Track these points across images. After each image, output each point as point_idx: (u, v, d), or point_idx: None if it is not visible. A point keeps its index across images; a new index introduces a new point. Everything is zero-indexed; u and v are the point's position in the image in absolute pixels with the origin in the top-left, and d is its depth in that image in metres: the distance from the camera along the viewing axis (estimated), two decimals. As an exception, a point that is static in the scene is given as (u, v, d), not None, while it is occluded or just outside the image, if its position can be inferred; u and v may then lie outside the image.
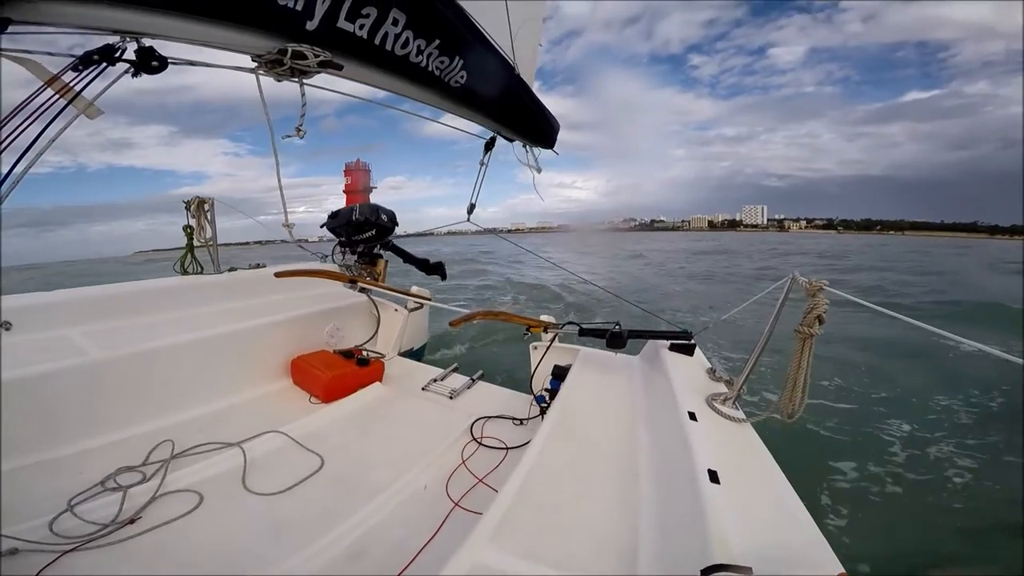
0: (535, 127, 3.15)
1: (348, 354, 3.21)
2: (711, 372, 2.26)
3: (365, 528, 1.84)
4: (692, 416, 1.79)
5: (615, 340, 2.50)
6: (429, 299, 3.88)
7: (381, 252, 4.21)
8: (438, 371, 3.40)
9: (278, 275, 3.55)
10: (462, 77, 2.32)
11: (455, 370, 3.42)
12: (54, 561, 1.58)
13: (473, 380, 3.23)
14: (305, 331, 3.34)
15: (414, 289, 3.82)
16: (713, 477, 1.42)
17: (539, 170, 3.48)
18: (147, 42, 1.58)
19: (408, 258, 4.41)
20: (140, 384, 2.54)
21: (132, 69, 1.56)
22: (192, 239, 3.86)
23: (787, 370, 1.69)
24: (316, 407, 2.85)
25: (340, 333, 3.55)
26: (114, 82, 1.56)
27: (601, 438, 2.01)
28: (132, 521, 1.81)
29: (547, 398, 2.65)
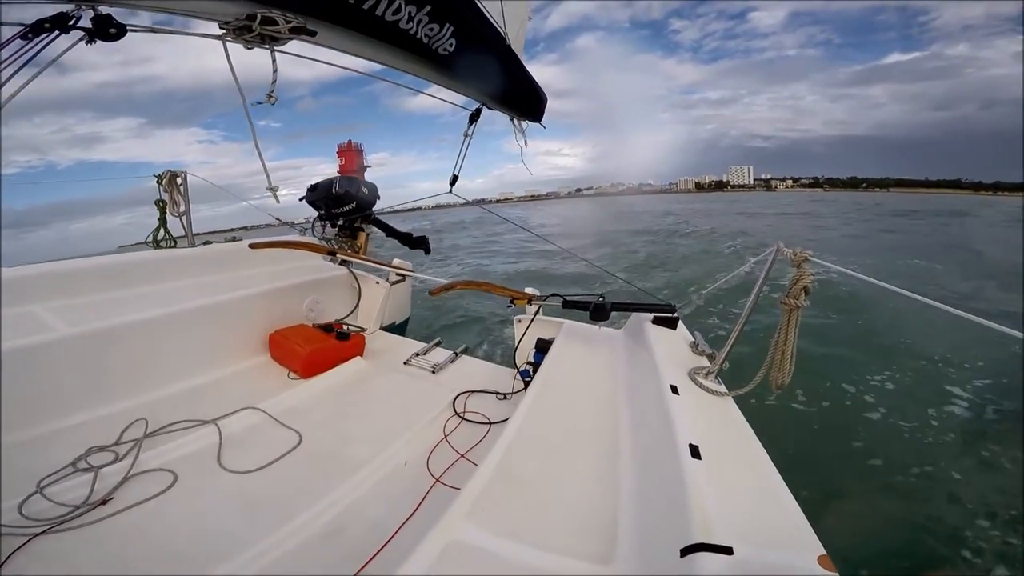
0: (523, 99, 3.07)
1: (328, 328, 3.12)
2: (694, 346, 2.23)
3: (343, 506, 1.79)
4: (674, 390, 1.75)
5: (598, 312, 2.46)
6: (411, 271, 3.79)
7: (363, 225, 4.10)
8: (420, 345, 3.33)
9: (252, 246, 3.42)
10: (451, 45, 2.21)
11: (438, 344, 3.35)
12: (24, 544, 1.52)
13: (456, 354, 3.17)
14: (283, 304, 3.24)
15: (395, 261, 3.72)
16: (695, 452, 1.39)
17: (526, 143, 3.40)
18: (104, 10, 1.45)
19: (390, 232, 4.31)
20: (111, 361, 2.44)
21: (87, 37, 1.45)
22: (164, 212, 3.70)
23: (773, 342, 1.66)
24: (295, 383, 2.78)
25: (320, 306, 3.45)
26: (66, 51, 1.45)
27: (583, 413, 1.99)
28: (104, 502, 1.74)
29: (531, 372, 2.60)
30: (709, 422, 1.62)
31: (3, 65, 1.31)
